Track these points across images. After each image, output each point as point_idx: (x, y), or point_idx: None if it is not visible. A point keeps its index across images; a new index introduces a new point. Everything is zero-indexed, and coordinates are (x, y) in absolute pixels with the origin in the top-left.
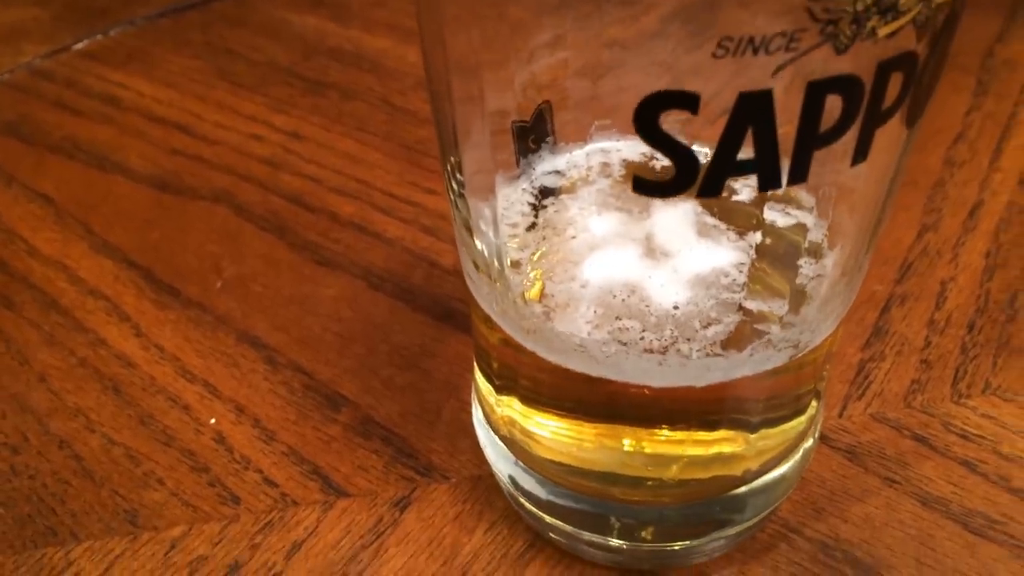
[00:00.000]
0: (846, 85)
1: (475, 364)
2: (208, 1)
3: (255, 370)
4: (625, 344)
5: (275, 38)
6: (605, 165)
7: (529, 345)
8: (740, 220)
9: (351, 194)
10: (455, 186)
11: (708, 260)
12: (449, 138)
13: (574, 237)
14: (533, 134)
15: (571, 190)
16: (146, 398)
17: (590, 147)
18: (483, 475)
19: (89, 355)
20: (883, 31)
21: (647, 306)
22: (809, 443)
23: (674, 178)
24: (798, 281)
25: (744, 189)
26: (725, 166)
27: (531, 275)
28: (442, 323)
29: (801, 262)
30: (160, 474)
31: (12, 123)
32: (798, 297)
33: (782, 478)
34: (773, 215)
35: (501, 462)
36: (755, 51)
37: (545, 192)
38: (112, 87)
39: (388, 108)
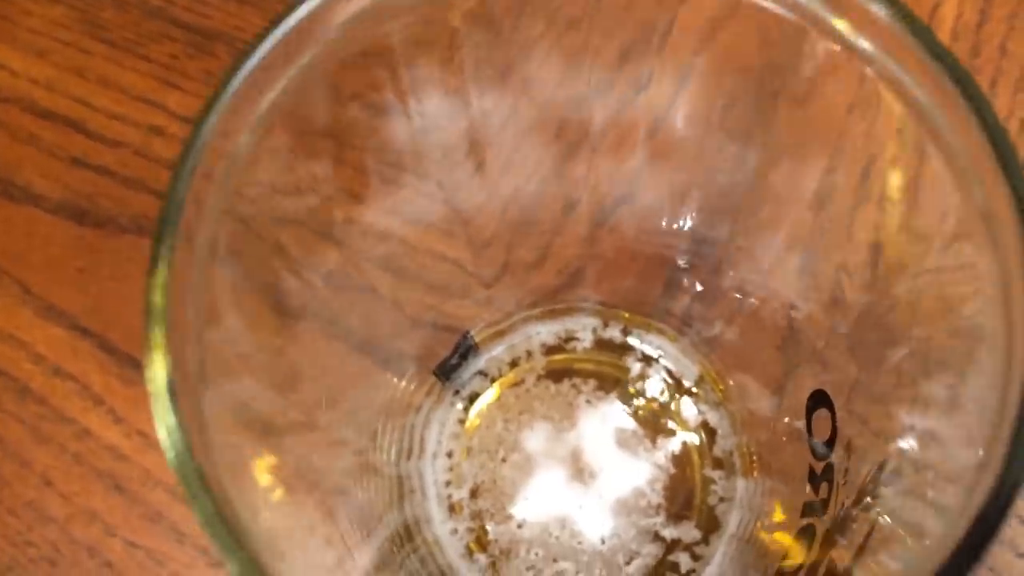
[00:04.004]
0: None
1: None
2: None
3: None
4: None
5: None
6: (528, 354)
7: None
8: (657, 425)
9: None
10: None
11: (628, 479)
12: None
13: (504, 460)
14: (456, 356)
15: (496, 396)
16: (147, 493)
17: (510, 337)
18: None
19: (81, 450)
20: None
21: (579, 543)
22: None
23: None
24: (709, 501)
25: (654, 385)
26: None
27: (470, 522)
28: None
29: (711, 475)
30: (184, 574)
31: None
32: (709, 522)
33: None
34: (687, 413)
35: None
36: None
37: (472, 399)
38: None
39: None
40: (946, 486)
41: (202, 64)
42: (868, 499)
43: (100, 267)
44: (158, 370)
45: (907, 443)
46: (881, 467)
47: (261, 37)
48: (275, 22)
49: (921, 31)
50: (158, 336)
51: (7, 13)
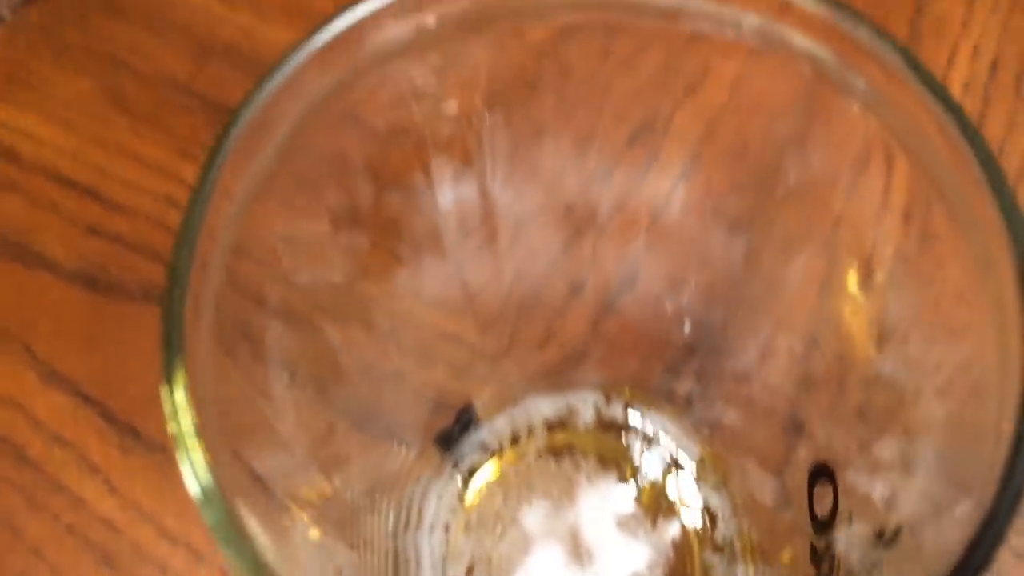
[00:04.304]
0: None
1: None
2: None
3: None
4: None
5: (159, 33)
6: (529, 429)
7: None
8: (657, 506)
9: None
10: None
11: (627, 562)
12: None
13: (502, 536)
14: (458, 427)
15: (496, 472)
16: (135, 567)
17: (512, 410)
18: None
19: (73, 521)
20: None
21: None
22: None
23: None
24: None
25: (655, 466)
26: None
27: None
28: None
29: (712, 559)
30: None
31: None
32: None
33: None
34: (687, 495)
35: None
36: None
37: (471, 472)
38: (5, 133)
39: None
40: (934, 555)
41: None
42: (869, 568)
43: (107, 334)
44: (183, 417)
45: (903, 512)
46: (880, 535)
47: (247, 99)
48: (259, 83)
49: (933, 84)
50: (179, 377)
51: (35, 84)
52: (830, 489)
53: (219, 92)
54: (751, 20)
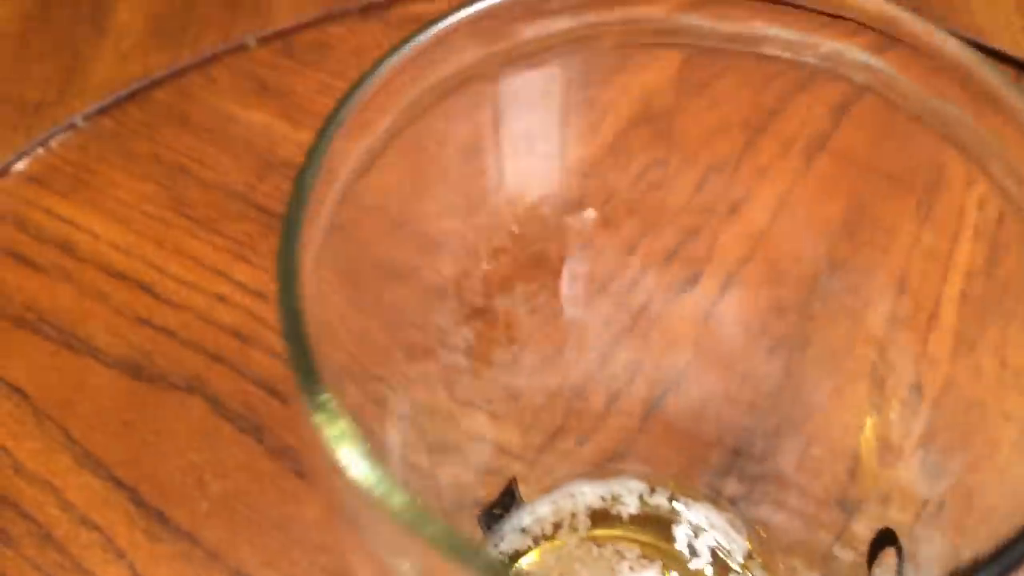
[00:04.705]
0: None
1: None
2: (147, 89)
3: None
4: None
5: (224, 146)
6: (572, 516)
7: None
8: None
9: None
10: None
11: None
12: None
13: None
14: (500, 507)
15: (538, 557)
16: None
17: (556, 494)
18: None
19: None
20: None
21: None
22: None
23: None
24: None
25: (701, 558)
26: None
27: None
28: None
29: None
30: None
31: None
32: None
33: None
34: None
35: None
36: None
37: (513, 558)
38: (64, 227)
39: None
40: None
41: (273, 243)
42: None
43: (145, 421)
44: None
45: None
46: None
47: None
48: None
49: None
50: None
51: (100, 186)
52: (895, 558)
53: (277, 203)
54: (828, 47)
